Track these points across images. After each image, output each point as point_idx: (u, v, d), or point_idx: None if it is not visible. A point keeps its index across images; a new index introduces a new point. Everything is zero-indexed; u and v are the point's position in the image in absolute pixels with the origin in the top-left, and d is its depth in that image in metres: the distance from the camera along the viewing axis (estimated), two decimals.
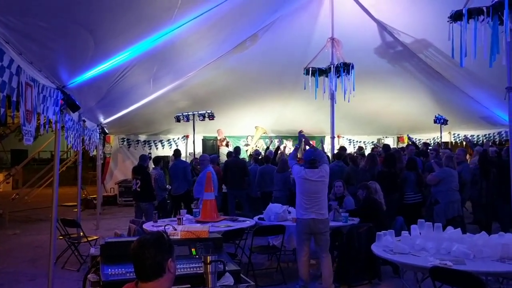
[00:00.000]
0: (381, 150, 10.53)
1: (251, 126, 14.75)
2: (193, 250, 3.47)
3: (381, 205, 6.41)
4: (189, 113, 11.67)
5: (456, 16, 5.72)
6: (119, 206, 13.54)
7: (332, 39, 9.57)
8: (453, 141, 15.08)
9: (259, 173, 9.45)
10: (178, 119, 11.82)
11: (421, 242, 4.45)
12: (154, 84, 8.97)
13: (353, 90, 9.23)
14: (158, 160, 9.57)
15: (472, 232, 5.01)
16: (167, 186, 9.69)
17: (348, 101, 9.39)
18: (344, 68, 9.14)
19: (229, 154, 10.83)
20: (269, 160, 9.71)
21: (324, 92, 9.80)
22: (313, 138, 15.00)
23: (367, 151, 13.15)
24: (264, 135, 15.01)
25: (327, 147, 12.42)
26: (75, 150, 8.19)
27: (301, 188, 5.62)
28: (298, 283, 5.70)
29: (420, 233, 4.76)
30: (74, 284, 6.04)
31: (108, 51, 5.47)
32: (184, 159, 11.66)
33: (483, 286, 3.49)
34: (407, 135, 14.57)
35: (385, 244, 4.60)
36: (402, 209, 7.42)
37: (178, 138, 14.97)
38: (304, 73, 9.70)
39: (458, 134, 14.79)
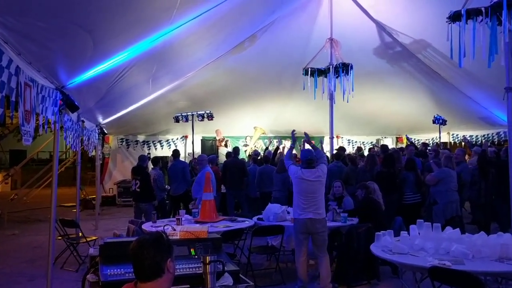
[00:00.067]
0: (379, 151, 10.53)
1: (250, 127, 14.75)
2: (192, 250, 3.46)
3: (380, 205, 6.42)
4: (188, 114, 11.66)
5: (454, 17, 5.74)
6: (118, 206, 13.55)
7: (331, 39, 9.57)
8: (452, 142, 15.09)
9: (259, 174, 9.45)
10: (177, 120, 11.82)
11: (420, 242, 4.45)
12: (153, 85, 8.97)
13: (352, 90, 9.24)
14: (157, 160, 9.56)
15: (471, 232, 5.01)
16: (166, 187, 9.68)
17: (347, 102, 9.39)
18: (343, 69, 9.15)
19: (228, 154, 10.83)
20: (269, 161, 9.71)
21: (323, 93, 9.80)
22: (312, 138, 14.98)
23: (366, 152, 13.16)
24: (263, 135, 15.01)
25: (326, 148, 12.43)
26: (74, 150, 8.19)
27: (298, 188, 5.62)
28: (297, 283, 5.70)
29: (419, 233, 4.76)
30: (73, 284, 6.04)
31: (107, 52, 5.47)
32: (183, 160, 11.65)
33: (482, 286, 3.49)
34: (406, 135, 14.58)
35: (384, 244, 4.61)
36: (401, 209, 7.43)
37: (177, 139, 14.97)
38: (303, 74, 9.70)
39: (457, 135, 14.80)
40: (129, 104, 10.08)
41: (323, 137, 15.14)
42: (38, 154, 20.92)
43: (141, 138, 14.65)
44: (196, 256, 3.39)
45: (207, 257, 2.80)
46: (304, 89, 9.67)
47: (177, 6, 5.15)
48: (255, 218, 6.85)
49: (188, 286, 2.85)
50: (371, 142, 16.14)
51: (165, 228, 4.34)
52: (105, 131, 11.35)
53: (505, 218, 6.98)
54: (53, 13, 3.58)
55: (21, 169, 16.61)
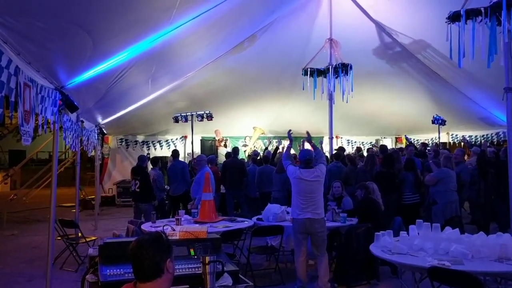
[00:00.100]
0: (378, 151, 10.54)
1: (249, 127, 14.76)
2: (191, 250, 3.46)
3: (379, 205, 6.42)
4: (187, 114, 11.66)
5: (454, 17, 5.75)
6: (117, 206, 13.54)
7: (331, 39, 9.59)
8: (451, 142, 15.10)
9: (258, 174, 9.45)
10: (176, 120, 11.81)
11: (419, 243, 4.45)
12: (153, 85, 8.97)
13: (352, 90, 9.26)
14: (156, 160, 9.56)
15: (470, 233, 5.02)
16: (165, 187, 9.68)
17: (347, 102, 9.41)
18: (343, 69, 9.16)
19: (227, 154, 10.83)
20: (268, 161, 9.71)
21: (323, 93, 9.82)
22: (311, 138, 14.99)
23: (365, 152, 13.17)
24: (262, 135, 15.01)
25: (325, 148, 12.44)
26: (73, 150, 8.18)
27: (296, 188, 5.62)
28: (296, 284, 5.70)
29: (418, 233, 4.76)
30: (73, 285, 6.03)
31: (106, 52, 5.47)
32: (182, 160, 11.65)
33: (481, 286, 3.49)
34: (405, 135, 14.59)
35: (384, 245, 4.61)
36: (400, 210, 7.43)
37: (177, 139, 14.97)
38: (302, 74, 9.71)
39: (456, 135, 14.80)
40: (128, 104, 10.08)
41: (323, 137, 15.14)
42: (37, 154, 20.92)
43: (140, 138, 14.65)
44: (195, 256, 3.39)
45: (207, 257, 2.80)
46: (303, 89, 9.68)
47: (177, 6, 5.15)
48: (254, 218, 6.85)
49: (188, 286, 2.85)
50: (371, 143, 16.15)
51: (164, 228, 4.34)
52: (105, 131, 11.35)
53: (504, 218, 6.98)
54: (52, 13, 3.58)
55: (21, 169, 16.60)
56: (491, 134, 13.36)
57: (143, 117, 12.33)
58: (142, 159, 8.89)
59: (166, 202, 9.85)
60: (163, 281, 2.14)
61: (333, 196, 7.12)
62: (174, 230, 4.18)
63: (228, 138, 14.56)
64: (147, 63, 7.19)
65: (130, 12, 4.73)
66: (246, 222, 6.59)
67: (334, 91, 9.75)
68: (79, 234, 7.23)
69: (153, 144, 14.81)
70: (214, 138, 14.17)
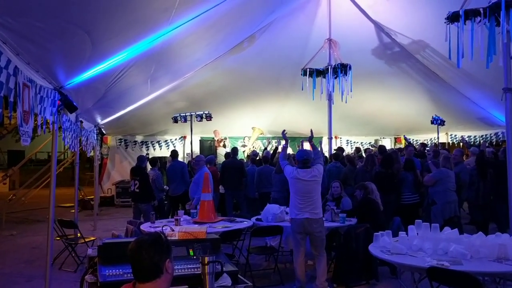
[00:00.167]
0: (377, 152, 10.55)
1: (248, 127, 14.76)
2: (190, 251, 3.46)
3: (378, 205, 6.42)
4: (186, 114, 11.65)
5: (453, 17, 5.76)
6: (116, 207, 13.54)
7: (330, 40, 9.60)
8: (450, 142, 15.11)
9: (257, 174, 9.45)
10: (175, 120, 11.81)
11: (418, 243, 4.45)
12: (152, 85, 8.97)
13: (351, 91, 9.27)
14: (155, 160, 9.56)
15: (469, 233, 5.02)
16: (164, 187, 9.68)
17: (346, 102, 9.42)
18: (342, 69, 9.17)
19: (227, 155, 10.83)
20: (268, 161, 9.71)
21: (322, 93, 9.82)
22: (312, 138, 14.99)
23: (363, 152, 13.17)
24: (261, 135, 15.02)
25: (324, 148, 12.43)
26: (73, 151, 8.18)
27: (294, 188, 5.63)
28: (295, 284, 5.71)
29: (417, 233, 4.77)
30: (72, 285, 6.03)
31: (105, 52, 5.46)
32: (181, 160, 11.64)
33: (480, 287, 3.50)
34: (404, 135, 14.60)
35: (383, 245, 4.61)
36: (399, 210, 7.44)
37: (176, 139, 14.97)
38: (301, 74, 9.71)
39: (455, 135, 14.81)
40: (127, 104, 10.08)
41: (322, 137, 15.15)
42: (36, 155, 20.93)
43: (139, 138, 14.64)
44: (194, 257, 3.38)
45: (206, 258, 2.79)
46: (302, 89, 9.69)
47: (176, 6, 5.15)
48: (253, 219, 6.85)
49: (187, 286, 2.85)
50: (370, 143, 16.16)
51: (163, 228, 4.34)
52: (104, 131, 11.35)
53: (503, 219, 6.99)
54: (51, 14, 3.58)
55: (19, 169, 16.58)
56: (490, 134, 13.37)
57: (142, 117, 12.33)
58: (141, 159, 8.89)
59: (165, 202, 9.84)
60: (162, 282, 2.14)
61: (332, 196, 7.13)
62: (173, 230, 4.17)
63: (227, 137, 14.56)
64: (146, 63, 7.19)
65: (129, 12, 4.73)
66: (245, 222, 6.59)
67: (333, 91, 9.76)
68: (78, 234, 7.22)
69: (152, 144, 14.80)
70: (213, 138, 14.18)
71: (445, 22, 5.88)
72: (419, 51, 9.91)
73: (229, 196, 9.82)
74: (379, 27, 9.53)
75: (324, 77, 9.53)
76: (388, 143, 15.87)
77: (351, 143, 16.46)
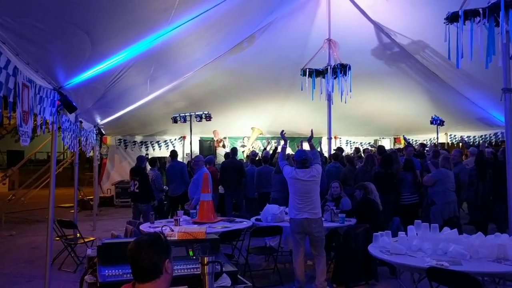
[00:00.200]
0: (376, 152, 10.55)
1: (248, 127, 14.77)
2: (190, 251, 3.46)
3: (378, 205, 6.42)
4: (186, 114, 11.66)
5: (452, 18, 5.76)
6: (115, 207, 13.54)
7: (329, 40, 9.60)
8: (450, 142, 15.13)
9: (257, 174, 9.45)
10: (175, 120, 11.82)
11: (418, 243, 4.46)
12: (151, 85, 8.97)
13: (350, 91, 9.27)
14: (154, 161, 9.56)
15: (469, 233, 5.02)
16: (164, 187, 9.68)
17: (345, 102, 9.42)
18: (341, 69, 9.18)
19: (226, 155, 10.83)
20: (267, 161, 9.71)
21: (321, 93, 9.83)
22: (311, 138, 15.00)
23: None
24: (260, 136, 15.02)
25: (324, 148, 12.45)
26: (72, 151, 8.18)
27: (293, 188, 5.63)
28: (294, 284, 5.71)
29: (416, 233, 4.77)
30: (71, 285, 6.03)
31: (105, 52, 5.46)
32: (181, 160, 11.64)
33: (479, 287, 3.50)
34: (403, 136, 14.61)
35: (382, 245, 4.61)
36: (399, 210, 7.44)
37: (175, 139, 14.96)
38: (301, 74, 9.72)
39: (455, 135, 14.83)
40: (127, 104, 10.07)
41: (321, 137, 15.17)
42: (35, 155, 20.91)
43: (138, 138, 14.64)
44: (194, 257, 3.38)
45: (205, 258, 2.79)
46: (302, 89, 9.69)
47: (176, 6, 5.15)
48: (253, 219, 6.85)
49: (186, 287, 2.85)
50: (369, 143, 16.17)
51: (163, 229, 4.34)
52: (103, 131, 11.34)
53: (502, 219, 6.99)
54: (51, 14, 3.58)
55: (19, 169, 16.58)
56: (489, 134, 13.38)
57: (141, 118, 12.33)
58: (141, 160, 8.89)
59: (165, 202, 9.84)
60: (162, 282, 2.14)
61: (332, 196, 7.13)
62: (172, 230, 4.18)
63: (226, 137, 14.56)
64: (146, 64, 7.19)
65: (129, 13, 4.73)
66: (244, 222, 6.59)
67: (332, 92, 9.77)
68: (78, 234, 7.22)
69: (152, 144, 14.80)
70: (213, 138, 14.18)
71: (444, 23, 5.88)
72: (418, 52, 9.92)
73: (229, 196, 9.82)
74: (378, 28, 9.53)
75: (324, 77, 9.53)
76: (387, 143, 15.88)
77: (350, 143, 16.47)
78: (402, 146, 14.45)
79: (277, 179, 8.55)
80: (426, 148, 12.01)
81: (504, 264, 3.95)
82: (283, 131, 6.39)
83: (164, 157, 12.80)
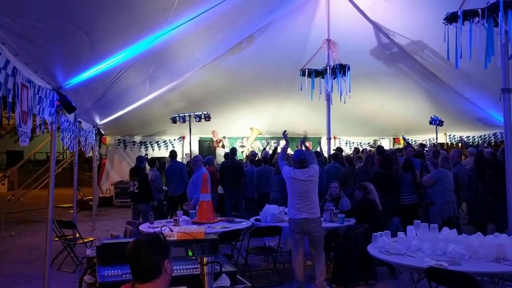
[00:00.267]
0: (375, 152, 10.55)
1: (247, 128, 14.77)
2: (189, 251, 3.46)
3: (377, 205, 6.43)
4: (185, 114, 11.66)
5: (451, 18, 5.76)
6: (115, 207, 13.53)
7: (328, 40, 9.60)
8: (449, 142, 15.14)
9: (257, 174, 9.45)
10: (174, 120, 11.82)
11: (417, 243, 4.46)
12: (150, 85, 8.97)
13: (349, 91, 9.27)
14: (153, 161, 9.55)
15: (468, 233, 5.03)
16: (163, 188, 9.67)
17: (344, 103, 9.43)
18: (340, 70, 9.18)
19: (226, 155, 10.83)
20: (267, 161, 9.71)
21: (320, 94, 9.84)
22: (309, 139, 15.03)
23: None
24: (259, 136, 15.02)
25: (323, 148, 12.45)
26: (71, 151, 8.18)
27: (291, 188, 5.64)
28: (293, 284, 5.71)
29: (416, 234, 4.77)
30: (70, 285, 6.03)
31: (104, 52, 5.46)
32: (180, 160, 11.64)
33: (478, 287, 3.50)
34: (402, 136, 14.62)
35: (381, 245, 4.61)
36: (398, 210, 7.44)
37: (174, 139, 14.96)
38: (300, 74, 9.72)
39: (454, 135, 14.84)
40: (126, 105, 10.07)
41: (320, 138, 15.18)
42: (35, 155, 20.91)
43: (138, 138, 14.62)
44: (193, 257, 3.38)
45: (205, 258, 2.79)
46: (301, 90, 9.69)
47: (175, 7, 5.15)
48: (252, 219, 6.85)
49: (186, 287, 2.85)
50: (368, 143, 16.19)
51: (162, 229, 4.34)
52: (102, 131, 11.33)
53: (502, 219, 7.00)
54: (50, 14, 3.58)
55: (18, 170, 16.57)
56: (489, 134, 13.39)
57: (141, 118, 12.32)
58: (140, 160, 8.88)
59: (164, 202, 9.84)
60: (161, 282, 2.14)
61: (331, 196, 7.13)
62: (172, 231, 4.18)
63: (225, 137, 14.56)
64: (145, 64, 7.19)
65: (128, 13, 4.73)
66: (244, 222, 6.59)
67: (332, 92, 9.77)
68: (77, 235, 7.22)
69: (151, 144, 14.79)
70: (212, 138, 14.17)
71: (443, 23, 5.88)
72: (417, 52, 9.93)
73: (228, 197, 9.81)
74: (377, 28, 9.54)
75: (323, 78, 9.54)
76: (387, 144, 15.90)
77: (350, 144, 16.47)
78: (401, 146, 14.47)
79: (277, 179, 8.54)
80: (426, 148, 12.02)
81: (503, 264, 3.95)
82: (285, 131, 6.40)
83: (163, 157, 12.80)
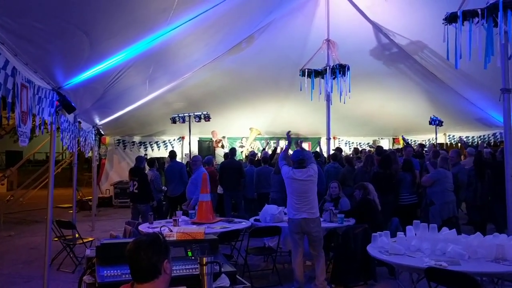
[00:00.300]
0: (374, 153, 10.56)
1: (247, 128, 14.76)
2: (189, 251, 3.46)
3: (377, 205, 6.43)
4: (185, 114, 11.66)
5: (451, 18, 5.76)
6: (114, 207, 13.53)
7: (328, 40, 9.60)
8: (448, 143, 15.14)
9: (256, 175, 9.45)
10: (174, 121, 11.81)
11: (417, 243, 4.46)
12: (150, 85, 8.97)
13: (349, 91, 9.27)
14: (153, 161, 9.55)
15: (467, 233, 5.03)
16: (163, 188, 9.67)
17: (344, 103, 9.43)
18: (340, 70, 9.18)
19: (225, 155, 10.83)
20: (267, 161, 9.71)
21: (320, 94, 9.84)
22: (308, 139, 15.04)
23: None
24: (259, 136, 15.02)
25: (323, 149, 12.44)
26: (71, 151, 8.17)
27: (290, 188, 5.65)
28: (293, 285, 5.71)
29: (415, 234, 4.78)
30: (70, 285, 6.03)
31: (104, 52, 5.46)
32: (180, 161, 11.64)
33: (477, 287, 3.50)
34: (402, 136, 14.62)
35: (381, 245, 4.61)
36: (397, 210, 7.44)
37: (174, 140, 14.95)
38: (300, 75, 9.72)
39: (453, 136, 14.85)
40: (126, 105, 10.07)
41: (320, 138, 15.17)
42: (34, 155, 20.90)
43: (137, 139, 14.62)
44: (193, 257, 3.38)
45: (204, 258, 2.80)
46: (301, 90, 9.69)
47: (174, 7, 5.15)
48: (252, 219, 6.85)
49: (185, 287, 2.85)
50: (368, 143, 16.19)
51: (161, 229, 4.34)
52: (102, 132, 11.32)
53: (501, 219, 7.00)
54: (50, 14, 3.58)
55: (17, 170, 16.56)
56: (488, 135, 13.39)
57: (140, 118, 12.32)
58: (140, 160, 8.89)
59: (164, 203, 9.84)
60: (161, 282, 2.14)
61: (331, 196, 7.13)
62: (171, 231, 4.18)
63: (225, 136, 14.56)
64: (145, 64, 7.18)
65: (128, 13, 4.73)
66: (243, 223, 6.59)
67: (331, 92, 9.77)
68: (76, 235, 7.22)
69: (151, 144, 14.78)
70: (211, 139, 14.17)
71: (443, 23, 5.89)
72: (417, 52, 9.93)
73: (228, 197, 9.81)
74: (377, 28, 9.54)
75: (323, 78, 9.54)
76: (386, 144, 15.89)
77: (349, 144, 16.48)
78: (401, 146, 14.46)
79: (276, 180, 8.54)
80: (425, 149, 12.02)
81: (503, 264, 3.95)
82: (289, 131, 6.42)
83: (163, 158, 12.80)
